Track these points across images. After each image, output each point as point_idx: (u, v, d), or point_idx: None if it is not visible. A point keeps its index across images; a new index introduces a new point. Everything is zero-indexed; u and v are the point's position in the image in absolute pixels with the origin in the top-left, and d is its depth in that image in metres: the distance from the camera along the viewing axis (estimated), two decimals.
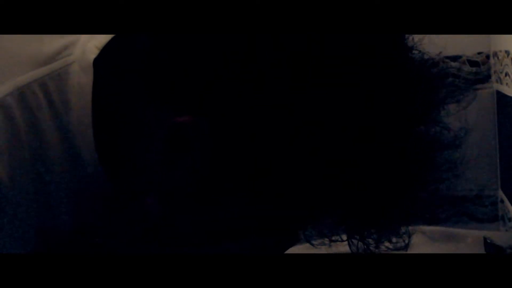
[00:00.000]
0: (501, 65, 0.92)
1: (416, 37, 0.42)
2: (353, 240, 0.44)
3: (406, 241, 0.45)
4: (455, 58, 1.01)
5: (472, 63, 1.03)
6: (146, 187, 0.45)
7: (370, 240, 0.44)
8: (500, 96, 0.96)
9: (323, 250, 0.47)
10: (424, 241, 0.72)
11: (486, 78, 1.02)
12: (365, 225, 0.44)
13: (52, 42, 0.43)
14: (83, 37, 0.44)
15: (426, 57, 0.42)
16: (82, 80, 0.42)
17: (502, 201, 1.05)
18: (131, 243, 0.48)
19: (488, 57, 1.02)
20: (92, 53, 0.43)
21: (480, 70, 1.02)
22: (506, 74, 0.87)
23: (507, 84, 0.88)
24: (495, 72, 1.00)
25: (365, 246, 0.44)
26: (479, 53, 1.02)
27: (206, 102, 0.40)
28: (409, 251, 0.46)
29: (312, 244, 0.47)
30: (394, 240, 0.44)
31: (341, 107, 0.39)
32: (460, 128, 0.44)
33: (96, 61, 0.43)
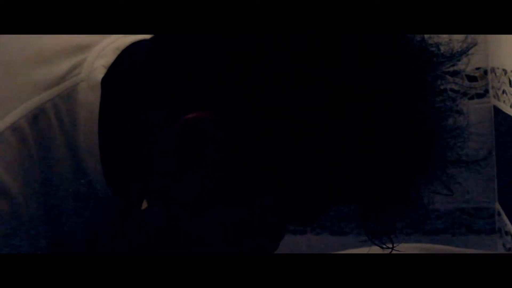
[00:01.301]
0: (499, 82, 0.93)
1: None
2: (368, 224, 0.45)
3: (423, 213, 0.46)
4: (453, 73, 1.03)
5: (471, 78, 1.04)
6: (153, 197, 0.46)
7: (385, 221, 0.45)
8: (498, 111, 0.97)
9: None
10: None
11: (484, 93, 1.03)
12: (380, 204, 0.45)
13: (61, 64, 0.45)
14: (90, 57, 0.46)
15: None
16: (89, 98, 0.44)
17: (499, 214, 1.06)
18: (136, 250, 0.49)
19: (486, 72, 1.03)
20: (100, 73, 0.45)
21: (478, 85, 1.03)
22: (504, 92, 0.89)
23: (504, 101, 0.89)
24: (493, 87, 1.01)
25: (380, 227, 0.45)
26: (477, 69, 1.04)
27: (213, 102, 0.41)
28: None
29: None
30: (410, 215, 0.45)
31: (344, 89, 0.40)
32: (457, 91, 0.45)
33: (104, 79, 0.45)
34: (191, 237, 0.47)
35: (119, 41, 0.48)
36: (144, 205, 0.52)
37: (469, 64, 1.03)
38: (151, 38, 0.47)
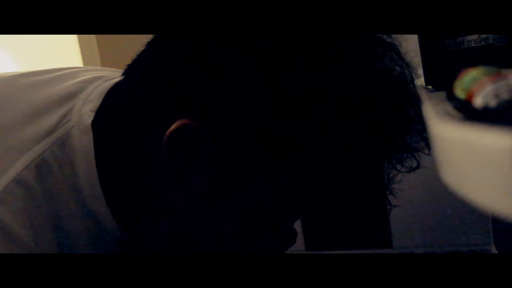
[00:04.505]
0: None
1: None
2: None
3: (418, 159, 0.50)
4: None
5: None
6: (158, 214, 0.47)
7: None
8: None
9: None
10: None
11: None
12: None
13: (53, 114, 0.47)
14: (78, 103, 0.48)
15: None
16: (83, 142, 0.46)
17: None
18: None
19: None
20: (89, 116, 0.47)
21: None
22: None
23: None
24: None
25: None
26: None
27: (197, 112, 0.44)
28: None
29: None
30: (405, 163, 0.49)
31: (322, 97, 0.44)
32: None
33: (94, 122, 0.47)
34: (199, 241, 0.48)
35: (102, 86, 0.51)
36: None
37: None
38: (125, 77, 0.50)
